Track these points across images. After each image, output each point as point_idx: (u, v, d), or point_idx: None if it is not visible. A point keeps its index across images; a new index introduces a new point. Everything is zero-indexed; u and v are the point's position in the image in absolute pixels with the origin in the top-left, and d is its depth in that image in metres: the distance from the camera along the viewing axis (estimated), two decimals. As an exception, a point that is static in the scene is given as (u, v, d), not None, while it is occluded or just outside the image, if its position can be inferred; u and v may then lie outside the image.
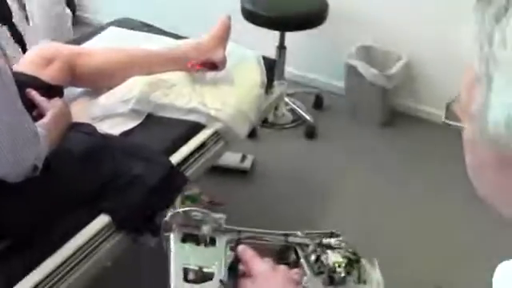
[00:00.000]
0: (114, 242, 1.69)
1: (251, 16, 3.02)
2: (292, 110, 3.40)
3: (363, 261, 1.10)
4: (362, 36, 3.36)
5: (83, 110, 1.96)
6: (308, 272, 1.07)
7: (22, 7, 2.38)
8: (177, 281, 0.98)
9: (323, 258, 1.08)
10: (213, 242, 1.06)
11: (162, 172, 1.74)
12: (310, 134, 3.29)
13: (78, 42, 2.41)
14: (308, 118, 3.31)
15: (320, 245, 1.10)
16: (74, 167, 1.59)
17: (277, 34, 3.20)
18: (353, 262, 1.08)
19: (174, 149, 1.94)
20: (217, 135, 2.09)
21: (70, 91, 2.05)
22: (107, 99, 1.99)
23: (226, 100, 2.11)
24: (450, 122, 0.70)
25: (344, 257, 1.08)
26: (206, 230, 1.06)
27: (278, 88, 2.53)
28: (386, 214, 2.74)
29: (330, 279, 1.07)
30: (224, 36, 2.20)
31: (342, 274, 1.07)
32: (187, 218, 1.06)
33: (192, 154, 1.99)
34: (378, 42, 3.34)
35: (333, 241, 1.11)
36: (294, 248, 1.13)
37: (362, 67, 3.17)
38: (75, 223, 1.61)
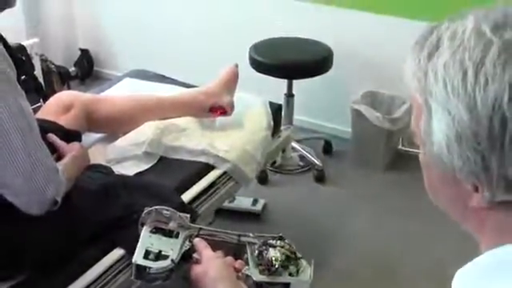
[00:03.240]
0: (129, 276, 1.76)
1: (259, 65, 3.16)
2: (302, 156, 3.49)
3: (303, 261, 1.29)
4: (367, 82, 3.48)
5: (99, 154, 2.08)
6: (250, 263, 1.27)
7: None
8: (138, 257, 1.22)
9: (264, 253, 1.27)
10: (178, 235, 1.29)
11: (173, 208, 1.83)
12: (320, 178, 3.37)
13: (95, 93, 2.54)
14: (317, 162, 3.40)
15: (265, 244, 1.29)
16: (91, 202, 1.69)
17: (284, 82, 3.33)
18: (291, 259, 1.27)
19: (185, 188, 2.05)
20: (226, 176, 2.20)
21: (87, 137, 2.19)
22: (122, 143, 2.12)
23: (234, 142, 2.23)
24: (405, 149, 0.82)
25: (283, 254, 1.27)
26: (172, 225, 1.30)
27: (285, 132, 2.64)
28: (392, 256, 2.79)
29: (267, 270, 1.25)
30: (231, 82, 2.32)
31: (276, 266, 1.25)
32: (159, 215, 1.31)
33: (202, 193, 2.10)
34: (382, 87, 3.45)
35: (278, 242, 1.29)
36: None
37: (366, 111, 3.28)
38: (91, 256, 1.70)
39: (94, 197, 1.71)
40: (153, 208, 1.30)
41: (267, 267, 1.25)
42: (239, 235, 1.33)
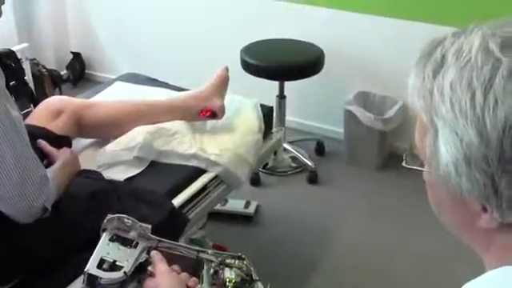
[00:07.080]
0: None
1: (250, 67, 3.16)
2: (294, 158, 3.49)
3: (259, 284, 1.28)
4: (359, 82, 3.49)
5: (90, 159, 2.07)
6: (204, 281, 1.26)
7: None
8: (91, 265, 1.20)
9: (220, 273, 1.26)
10: (137, 245, 1.26)
11: (164, 213, 1.83)
12: (312, 179, 3.38)
13: (86, 97, 2.54)
14: (310, 163, 3.41)
15: (222, 263, 1.28)
16: (82, 209, 1.69)
17: (276, 83, 3.33)
18: (246, 282, 1.26)
19: (177, 192, 2.05)
20: (217, 179, 2.19)
21: (78, 142, 2.18)
22: (112, 148, 2.11)
23: (225, 146, 2.22)
24: (409, 166, 0.79)
25: (238, 275, 1.26)
26: (132, 234, 1.27)
27: (277, 134, 2.64)
28: (386, 255, 2.80)
29: None
30: (222, 85, 2.31)
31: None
32: (120, 223, 1.27)
33: (194, 197, 2.09)
34: (374, 88, 3.46)
35: (237, 262, 1.29)
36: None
37: (358, 112, 3.29)
38: (82, 263, 1.68)
39: (84, 203, 1.71)
40: (115, 216, 1.28)
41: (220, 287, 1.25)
42: (198, 251, 1.31)
